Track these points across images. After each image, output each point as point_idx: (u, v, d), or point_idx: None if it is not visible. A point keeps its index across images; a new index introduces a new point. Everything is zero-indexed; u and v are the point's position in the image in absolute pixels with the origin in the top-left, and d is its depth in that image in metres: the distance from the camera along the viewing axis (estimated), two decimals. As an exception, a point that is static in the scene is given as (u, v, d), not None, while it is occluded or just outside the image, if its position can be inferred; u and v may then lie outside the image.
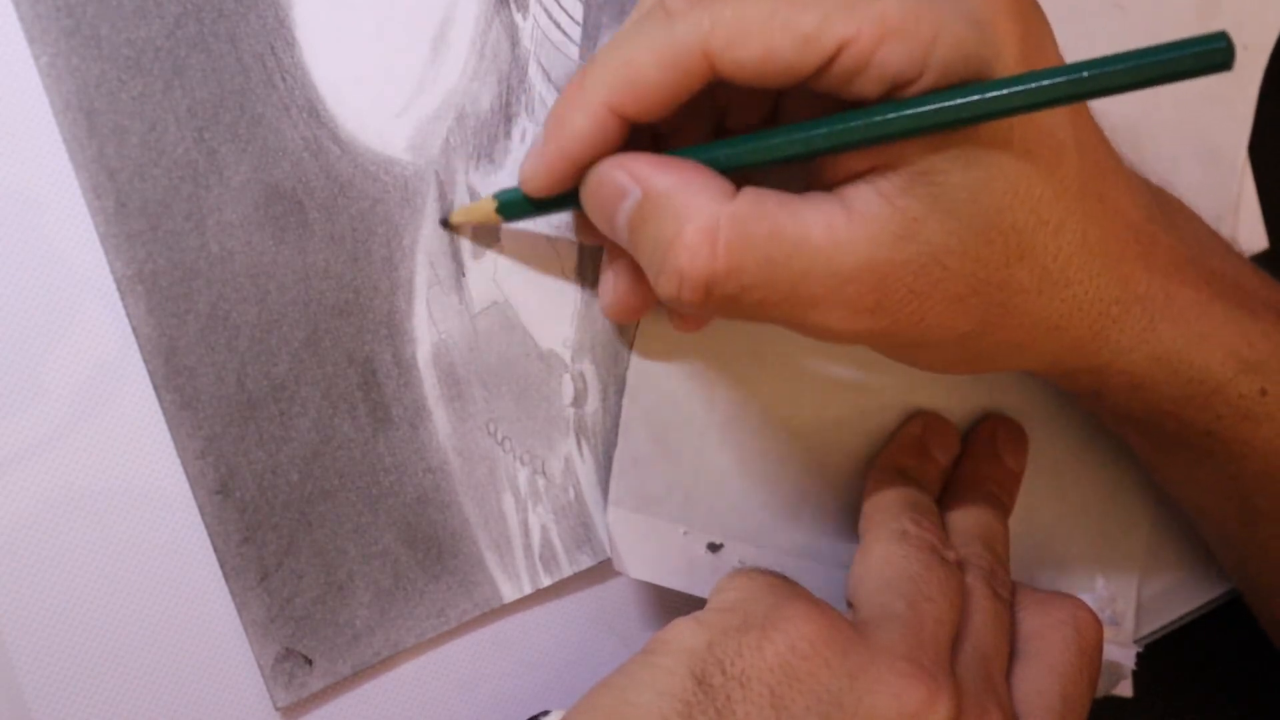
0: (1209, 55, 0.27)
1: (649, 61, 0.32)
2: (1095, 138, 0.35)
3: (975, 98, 0.29)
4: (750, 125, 0.36)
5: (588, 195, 0.34)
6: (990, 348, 0.34)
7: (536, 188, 0.34)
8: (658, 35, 0.31)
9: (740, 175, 0.33)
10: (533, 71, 0.37)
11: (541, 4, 0.37)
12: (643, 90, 0.32)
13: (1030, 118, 0.31)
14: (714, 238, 0.31)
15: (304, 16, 0.35)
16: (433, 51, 0.36)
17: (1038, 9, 0.33)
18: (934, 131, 0.30)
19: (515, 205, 0.35)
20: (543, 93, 0.38)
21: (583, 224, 0.35)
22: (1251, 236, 0.47)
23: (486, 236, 0.37)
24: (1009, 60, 0.30)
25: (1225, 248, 0.40)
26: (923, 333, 0.33)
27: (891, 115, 0.30)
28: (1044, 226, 0.33)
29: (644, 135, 0.34)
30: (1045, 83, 0.29)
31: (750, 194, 0.32)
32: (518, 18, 0.37)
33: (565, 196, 0.34)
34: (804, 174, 0.34)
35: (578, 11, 0.38)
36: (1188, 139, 0.46)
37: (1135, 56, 0.28)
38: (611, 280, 0.37)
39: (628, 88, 0.32)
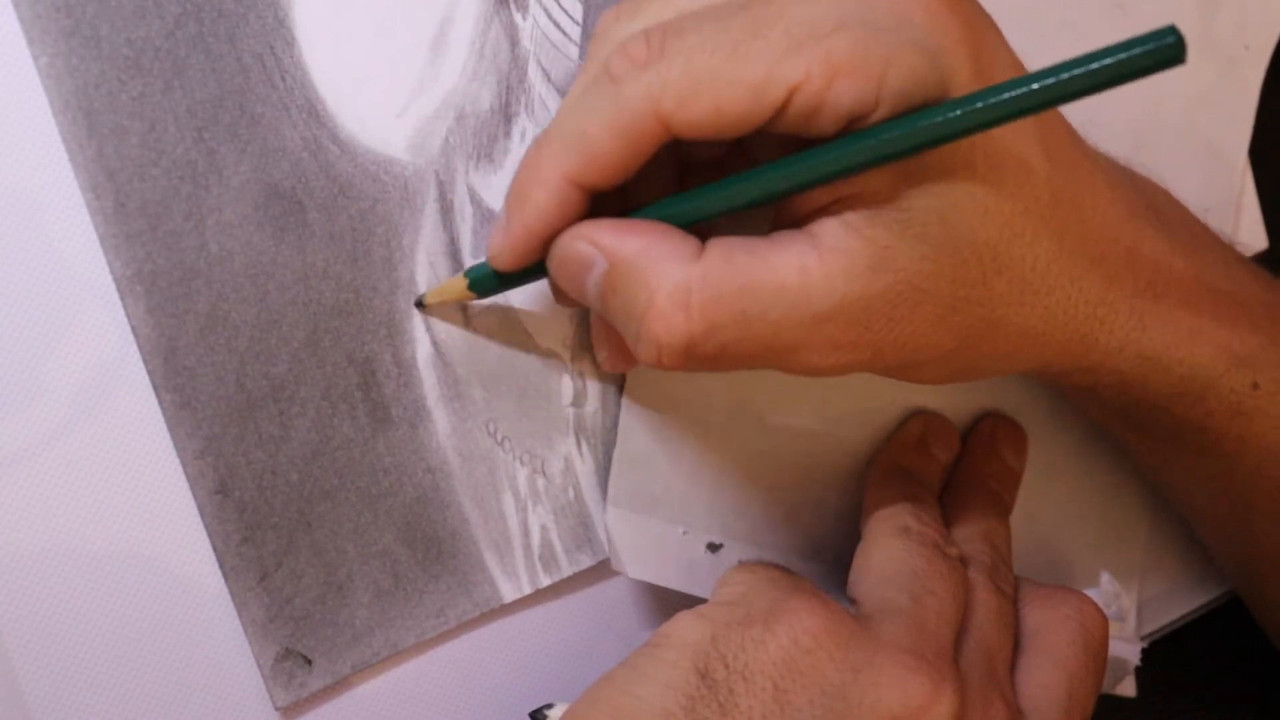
0: (1160, 51, 0.26)
1: (602, 132, 0.31)
2: (1065, 140, 0.34)
3: (929, 123, 0.29)
4: (714, 159, 0.36)
5: (555, 269, 0.33)
6: (978, 359, 0.34)
7: (504, 264, 0.33)
8: (608, 104, 0.31)
9: (706, 222, 0.32)
10: (532, 71, 0.37)
11: (541, 4, 0.37)
12: (600, 160, 0.31)
13: (992, 133, 0.31)
14: (686, 302, 0.31)
15: (304, 16, 0.35)
16: (433, 51, 0.36)
17: (988, 23, 0.32)
18: (894, 160, 0.30)
19: (486, 281, 0.35)
20: (542, 93, 0.38)
21: (559, 290, 0.35)
22: (1251, 236, 0.47)
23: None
24: (963, 81, 0.30)
25: (1213, 239, 0.39)
26: (909, 355, 0.33)
27: (849, 150, 0.30)
28: (1018, 239, 0.32)
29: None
30: (997, 99, 0.28)
31: (718, 249, 0.31)
32: (518, 18, 0.37)
33: (536, 267, 0.34)
34: (770, 211, 0.33)
35: (578, 11, 0.38)
36: (1188, 139, 0.45)
37: (1085, 61, 0.27)
38: (604, 338, 0.36)
39: (584, 160, 0.31)
